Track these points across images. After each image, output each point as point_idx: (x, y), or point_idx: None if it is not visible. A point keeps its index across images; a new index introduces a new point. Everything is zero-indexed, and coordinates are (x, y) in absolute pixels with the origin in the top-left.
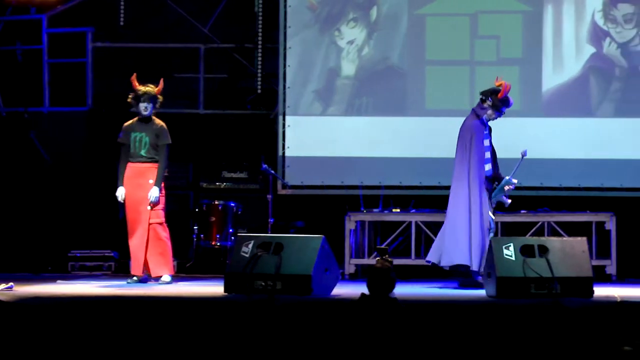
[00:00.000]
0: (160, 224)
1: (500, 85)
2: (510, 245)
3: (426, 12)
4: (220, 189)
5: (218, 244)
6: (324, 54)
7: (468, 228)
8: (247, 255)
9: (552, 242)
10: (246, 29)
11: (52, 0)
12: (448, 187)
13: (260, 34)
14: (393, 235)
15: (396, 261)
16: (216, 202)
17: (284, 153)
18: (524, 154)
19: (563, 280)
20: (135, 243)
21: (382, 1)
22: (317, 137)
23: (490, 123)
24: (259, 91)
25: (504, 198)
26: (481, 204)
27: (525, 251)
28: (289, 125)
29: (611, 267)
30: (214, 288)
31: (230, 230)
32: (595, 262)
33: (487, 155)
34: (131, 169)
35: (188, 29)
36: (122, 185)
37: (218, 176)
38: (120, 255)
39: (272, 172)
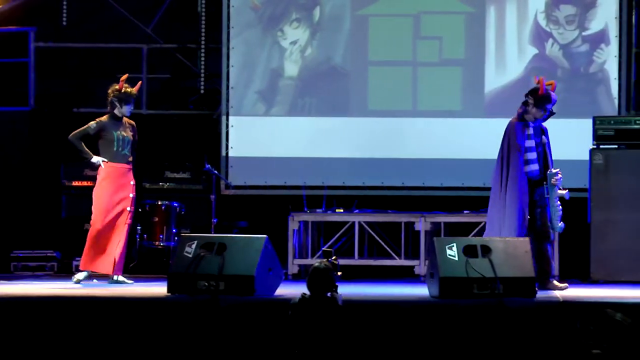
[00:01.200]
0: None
1: (538, 82)
2: (453, 246)
3: (369, 13)
4: (163, 189)
5: (161, 244)
6: (267, 54)
7: (498, 233)
8: (190, 256)
9: (495, 242)
10: (189, 29)
11: None
12: (391, 188)
13: (203, 34)
14: (336, 236)
15: (340, 261)
16: (159, 203)
17: (227, 153)
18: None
19: (506, 281)
20: (111, 242)
21: (324, 2)
22: (260, 138)
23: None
24: (202, 91)
25: (560, 192)
26: (520, 209)
27: (468, 251)
28: (232, 126)
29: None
30: (157, 288)
31: (174, 230)
32: None
33: (532, 155)
34: (114, 170)
35: (131, 29)
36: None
37: (161, 176)
38: (62, 255)
39: (216, 172)
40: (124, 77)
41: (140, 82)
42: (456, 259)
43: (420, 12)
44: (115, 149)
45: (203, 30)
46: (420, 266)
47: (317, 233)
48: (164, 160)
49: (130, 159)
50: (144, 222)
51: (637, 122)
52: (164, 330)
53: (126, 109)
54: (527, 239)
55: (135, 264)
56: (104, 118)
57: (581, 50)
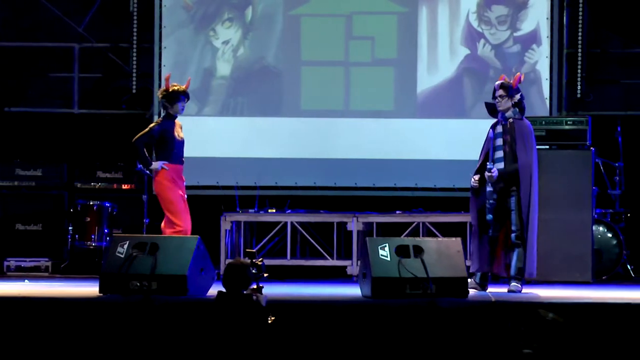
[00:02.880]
0: None
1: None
2: (385, 246)
3: (301, 13)
4: (95, 189)
5: (93, 244)
6: (200, 54)
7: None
8: (122, 256)
9: (427, 242)
10: (121, 29)
11: None
12: (323, 188)
13: (135, 34)
14: (269, 236)
15: (272, 262)
16: (91, 203)
17: None
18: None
19: (438, 281)
20: None
21: (257, 1)
22: (192, 138)
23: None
24: (134, 91)
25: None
26: (474, 209)
27: (401, 251)
28: None
29: None
30: (89, 289)
31: (106, 230)
32: (470, 262)
33: (497, 154)
34: (175, 170)
35: (63, 28)
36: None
37: (93, 176)
38: None
39: (147, 172)
40: (167, 75)
41: (189, 78)
42: (388, 259)
43: (353, 12)
44: (174, 150)
45: (135, 29)
46: (353, 266)
47: (250, 233)
48: (96, 160)
49: (183, 159)
50: (76, 223)
51: (569, 122)
52: (96, 331)
53: (178, 107)
54: (459, 238)
55: (67, 264)
56: (161, 120)
57: (513, 50)
